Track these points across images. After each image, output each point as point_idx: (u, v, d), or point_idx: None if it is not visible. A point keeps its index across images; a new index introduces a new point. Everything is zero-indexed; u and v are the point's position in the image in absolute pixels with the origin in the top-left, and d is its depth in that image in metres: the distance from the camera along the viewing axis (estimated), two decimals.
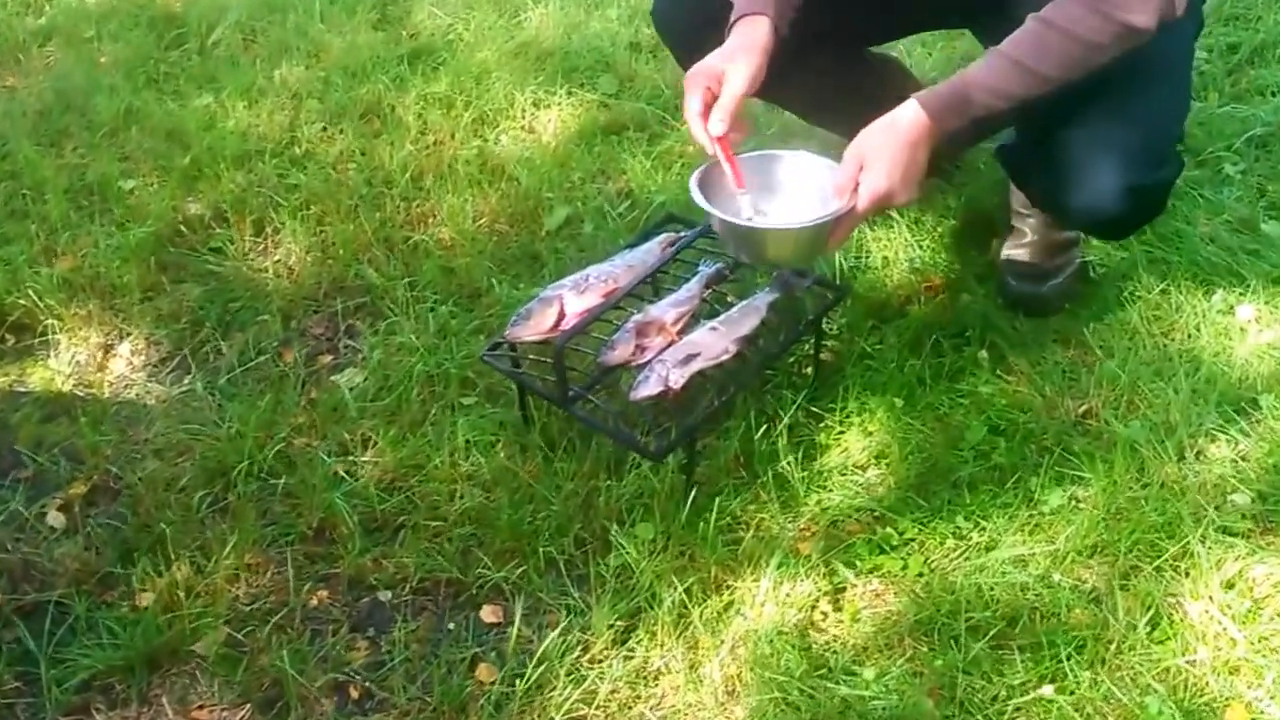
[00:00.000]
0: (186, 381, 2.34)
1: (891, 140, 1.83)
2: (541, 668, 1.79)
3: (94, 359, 2.40)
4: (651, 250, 2.20)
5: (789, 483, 2.01)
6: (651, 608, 1.85)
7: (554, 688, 1.77)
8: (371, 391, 2.26)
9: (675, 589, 1.85)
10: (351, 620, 1.91)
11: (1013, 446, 2.04)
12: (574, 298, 2.08)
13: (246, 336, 2.41)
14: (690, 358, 2.00)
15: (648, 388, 1.97)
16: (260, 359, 2.36)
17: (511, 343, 2.08)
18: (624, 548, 1.92)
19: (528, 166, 2.73)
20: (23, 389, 2.33)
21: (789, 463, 2.03)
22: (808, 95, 2.32)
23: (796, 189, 1.99)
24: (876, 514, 1.97)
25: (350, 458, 2.13)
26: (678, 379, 1.97)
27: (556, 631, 1.83)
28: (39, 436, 2.22)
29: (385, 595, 1.94)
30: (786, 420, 2.09)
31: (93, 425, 2.22)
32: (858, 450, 2.07)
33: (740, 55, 1.90)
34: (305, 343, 2.42)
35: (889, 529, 1.94)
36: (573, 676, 1.78)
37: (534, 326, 2.06)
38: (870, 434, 2.09)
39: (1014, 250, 2.35)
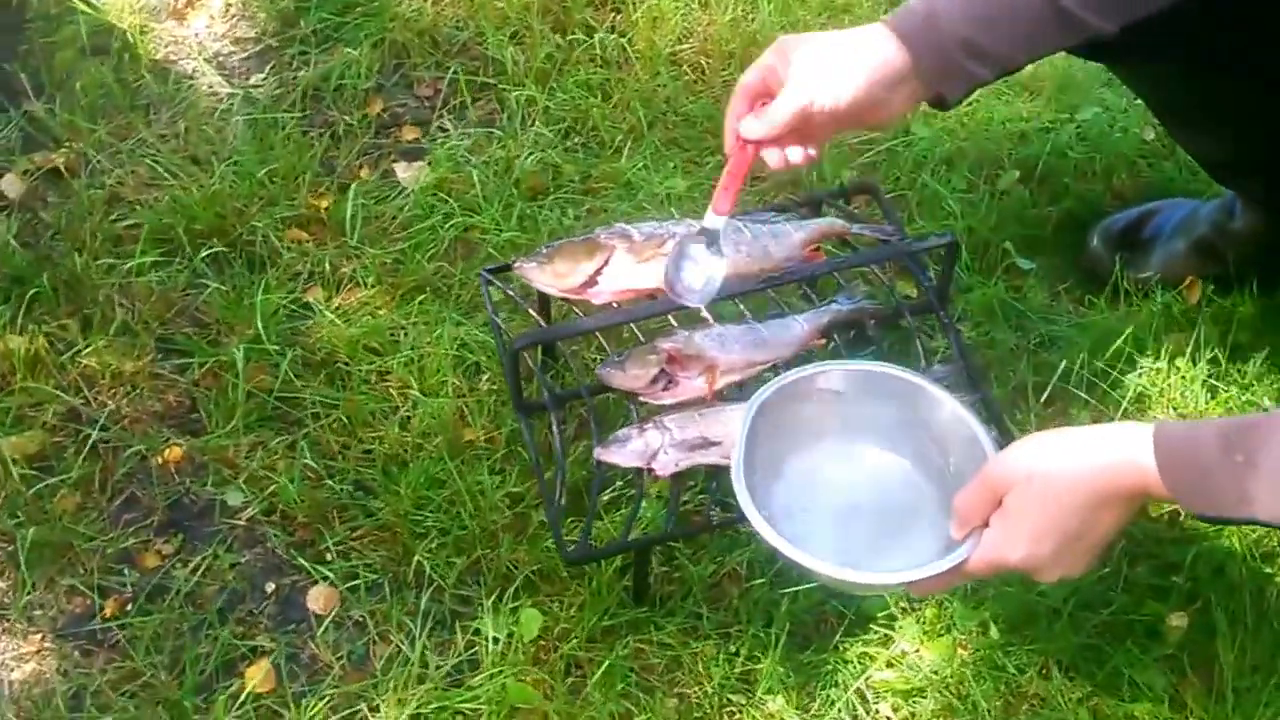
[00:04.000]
0: (240, 82, 1.87)
1: (1057, 495, 1.05)
2: None
3: (173, 4, 1.95)
4: (789, 241, 1.48)
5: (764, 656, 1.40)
6: None
7: None
8: (400, 218, 1.72)
9: None
10: (168, 514, 1.50)
11: None
12: (628, 261, 1.42)
13: (338, 61, 1.89)
14: (702, 444, 1.36)
15: (623, 454, 1.36)
16: (336, 99, 1.85)
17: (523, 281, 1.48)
18: (492, 626, 1.39)
19: None
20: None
21: (781, 630, 1.40)
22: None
23: (917, 449, 1.26)
24: None
25: (314, 310, 1.64)
26: (667, 465, 1.35)
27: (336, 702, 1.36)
28: (69, 68, 1.85)
29: (235, 498, 1.51)
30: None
31: (108, 93, 1.82)
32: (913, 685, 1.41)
33: (844, 70, 1.19)
34: (398, 99, 1.88)
35: None
36: None
37: (553, 275, 1.42)
38: (939, 680, 1.42)
39: None
